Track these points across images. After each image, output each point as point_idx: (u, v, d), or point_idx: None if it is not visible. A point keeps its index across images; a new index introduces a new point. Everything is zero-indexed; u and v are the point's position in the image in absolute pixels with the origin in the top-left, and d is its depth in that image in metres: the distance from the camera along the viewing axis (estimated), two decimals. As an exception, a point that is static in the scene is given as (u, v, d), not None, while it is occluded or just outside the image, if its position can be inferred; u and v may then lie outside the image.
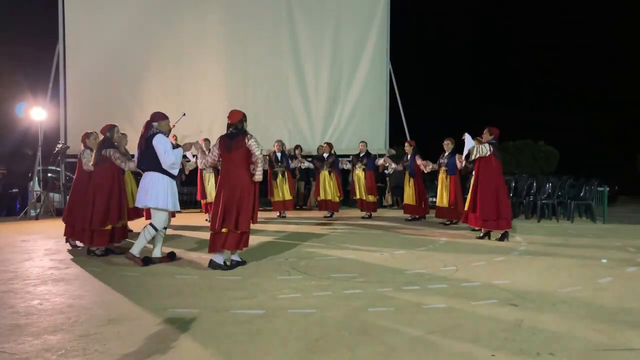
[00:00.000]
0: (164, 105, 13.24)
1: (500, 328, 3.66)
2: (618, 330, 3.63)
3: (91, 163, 6.81)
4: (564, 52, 23.91)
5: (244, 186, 5.73)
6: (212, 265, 5.79)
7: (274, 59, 14.56)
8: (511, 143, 19.84)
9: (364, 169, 11.35)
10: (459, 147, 9.20)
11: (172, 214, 7.38)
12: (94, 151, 6.80)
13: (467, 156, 8.08)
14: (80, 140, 7.41)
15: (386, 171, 12.28)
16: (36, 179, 12.85)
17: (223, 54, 14.21)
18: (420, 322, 3.81)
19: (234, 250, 5.90)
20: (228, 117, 5.92)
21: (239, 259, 6.02)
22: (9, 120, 17.61)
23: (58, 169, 13.53)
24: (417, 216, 10.89)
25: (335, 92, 14.91)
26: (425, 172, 10.60)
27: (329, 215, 11.52)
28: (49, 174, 13.68)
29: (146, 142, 6.00)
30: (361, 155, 11.52)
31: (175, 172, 6.11)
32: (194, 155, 8.06)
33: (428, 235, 8.71)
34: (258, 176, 5.78)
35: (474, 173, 8.28)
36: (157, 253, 6.22)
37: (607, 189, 11.37)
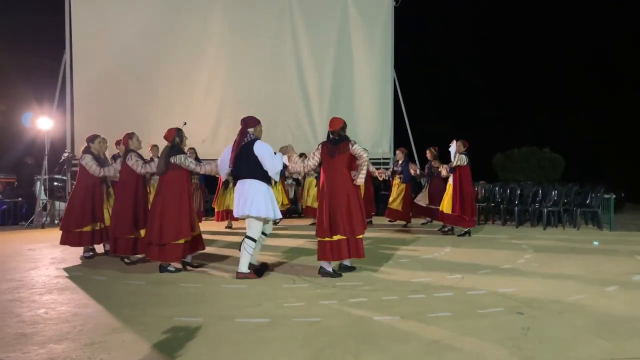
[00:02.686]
0: (170, 112, 13.40)
1: (507, 336, 3.64)
2: (625, 339, 3.60)
3: (141, 169, 6.60)
4: (569, 58, 23.88)
5: (351, 191, 5.78)
6: (322, 273, 5.81)
7: (277, 64, 14.62)
8: (516, 150, 19.78)
9: (400, 180, 10.82)
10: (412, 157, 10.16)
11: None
12: (160, 158, 6.27)
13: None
14: (123, 143, 6.95)
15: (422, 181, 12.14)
16: (42, 187, 12.89)
17: (227, 61, 14.26)
18: (426, 331, 3.79)
19: (357, 257, 5.86)
20: (329, 124, 5.95)
21: (348, 264, 6.03)
22: (16, 130, 17.71)
23: (64, 177, 13.57)
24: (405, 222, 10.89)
25: (338, 98, 14.94)
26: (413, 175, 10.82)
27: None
28: (55, 183, 13.73)
29: (244, 149, 5.76)
30: (400, 162, 10.99)
31: (277, 178, 5.99)
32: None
33: (433, 243, 8.68)
34: (360, 180, 5.81)
35: (452, 180, 9.33)
36: (254, 260, 6.05)
37: (614, 196, 11.31)
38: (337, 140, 5.86)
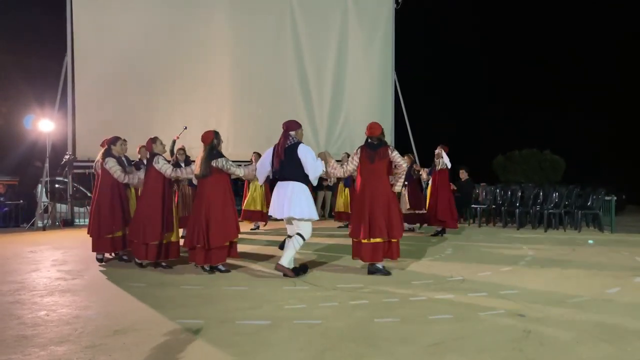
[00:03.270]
0: (171, 115, 13.44)
1: (508, 339, 3.64)
2: (626, 341, 3.60)
3: (171, 173, 6.41)
4: (570, 61, 23.89)
5: (390, 195, 5.95)
6: (374, 270, 5.96)
7: (278, 65, 14.66)
8: (517, 152, 19.79)
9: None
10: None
11: None
12: (202, 161, 6.07)
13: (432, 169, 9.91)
14: (147, 148, 6.77)
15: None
16: (44, 190, 12.91)
17: (228, 63, 14.30)
18: (427, 333, 3.79)
19: (390, 258, 6.02)
20: (368, 130, 6.06)
21: (381, 267, 6.08)
22: (17, 132, 17.74)
23: (65, 179, 13.59)
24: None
25: (339, 99, 14.99)
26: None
27: (343, 225, 11.44)
28: (57, 185, 13.75)
29: (287, 152, 5.87)
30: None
31: (316, 182, 6.09)
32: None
33: (434, 245, 8.68)
34: (398, 187, 6.08)
35: (432, 183, 9.88)
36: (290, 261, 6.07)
37: (615, 198, 11.30)
38: (376, 145, 6.00)
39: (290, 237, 6.08)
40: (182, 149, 9.92)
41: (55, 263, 7.09)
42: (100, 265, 6.73)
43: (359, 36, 15.14)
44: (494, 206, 12.19)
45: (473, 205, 12.33)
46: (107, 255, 7.11)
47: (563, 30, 23.66)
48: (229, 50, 14.28)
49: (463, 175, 12.96)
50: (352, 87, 15.08)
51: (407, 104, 15.37)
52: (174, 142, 10.61)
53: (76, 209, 13.30)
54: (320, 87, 14.91)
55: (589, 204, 11.28)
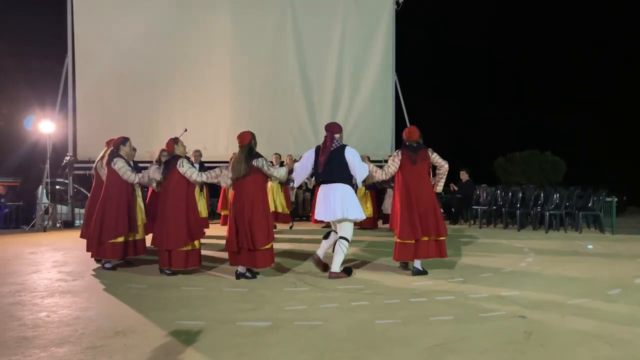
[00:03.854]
0: (171, 115, 13.46)
1: (509, 340, 3.63)
2: (628, 343, 3.59)
3: (197, 177, 6.15)
4: (570, 61, 23.89)
5: (433, 196, 6.15)
6: (416, 271, 6.06)
7: (279, 66, 14.66)
8: (518, 154, 19.77)
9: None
10: None
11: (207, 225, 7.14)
12: (241, 162, 5.90)
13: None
14: (168, 150, 6.39)
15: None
16: (44, 191, 12.92)
17: (229, 64, 14.30)
18: (428, 335, 3.78)
19: (440, 257, 6.15)
20: (407, 134, 6.26)
21: (420, 268, 6.13)
22: (18, 133, 17.76)
23: (66, 181, 13.60)
24: None
25: (340, 101, 14.99)
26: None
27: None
28: (57, 186, 13.76)
29: (334, 154, 5.95)
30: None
31: (361, 184, 6.24)
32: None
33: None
34: (440, 187, 6.30)
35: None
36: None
37: (616, 199, 11.28)
38: (416, 148, 6.18)
39: (335, 232, 6.14)
40: (199, 152, 9.97)
41: (56, 264, 7.09)
42: (102, 267, 6.72)
43: (360, 37, 15.14)
44: (494, 207, 12.16)
45: (474, 207, 12.32)
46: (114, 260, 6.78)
47: (563, 30, 23.66)
48: (229, 51, 14.28)
49: (464, 176, 12.97)
50: (353, 87, 15.08)
51: (408, 104, 15.38)
52: None
53: (77, 210, 13.30)
54: (321, 88, 14.91)
55: (589, 205, 11.26)
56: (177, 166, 6.14)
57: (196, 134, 12.27)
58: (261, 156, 6.00)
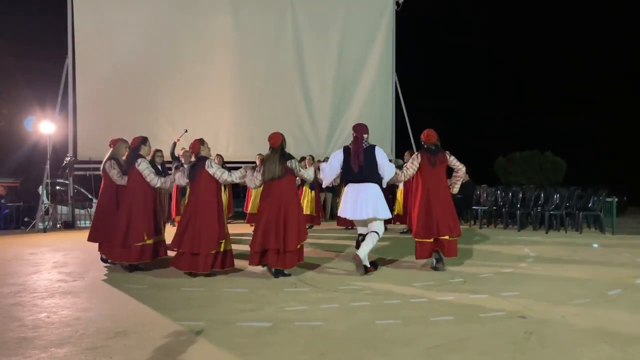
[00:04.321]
0: (173, 116, 13.45)
1: (509, 340, 3.63)
2: (628, 343, 3.59)
3: (227, 178, 6.07)
4: (570, 61, 23.89)
5: (449, 197, 6.35)
6: (436, 267, 6.31)
7: (279, 66, 14.65)
8: (518, 154, 19.79)
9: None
10: None
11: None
12: (274, 163, 5.90)
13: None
14: (193, 151, 6.32)
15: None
16: (44, 191, 12.91)
17: (229, 64, 14.29)
18: (428, 335, 3.78)
19: (452, 256, 6.34)
20: (425, 137, 6.42)
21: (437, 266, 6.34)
22: (18, 134, 17.77)
23: (66, 181, 13.59)
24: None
25: (340, 101, 14.99)
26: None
27: (349, 227, 11.38)
28: (57, 187, 13.75)
29: (366, 155, 6.10)
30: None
31: (385, 184, 6.34)
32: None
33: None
34: (456, 188, 6.52)
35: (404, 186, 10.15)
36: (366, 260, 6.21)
37: (616, 199, 11.28)
38: (434, 151, 6.36)
39: (363, 236, 6.31)
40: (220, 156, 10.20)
41: (56, 265, 7.09)
42: (100, 268, 6.71)
43: (360, 37, 15.14)
44: (494, 208, 12.17)
45: (474, 207, 12.32)
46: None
47: (563, 30, 23.66)
48: (230, 51, 14.27)
49: (464, 176, 12.95)
50: (353, 87, 15.09)
51: (408, 104, 15.38)
52: (174, 144, 10.63)
53: (77, 210, 13.29)
54: (321, 88, 14.92)
55: (590, 205, 11.26)
56: (206, 167, 6.06)
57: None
58: (293, 157, 6.07)
